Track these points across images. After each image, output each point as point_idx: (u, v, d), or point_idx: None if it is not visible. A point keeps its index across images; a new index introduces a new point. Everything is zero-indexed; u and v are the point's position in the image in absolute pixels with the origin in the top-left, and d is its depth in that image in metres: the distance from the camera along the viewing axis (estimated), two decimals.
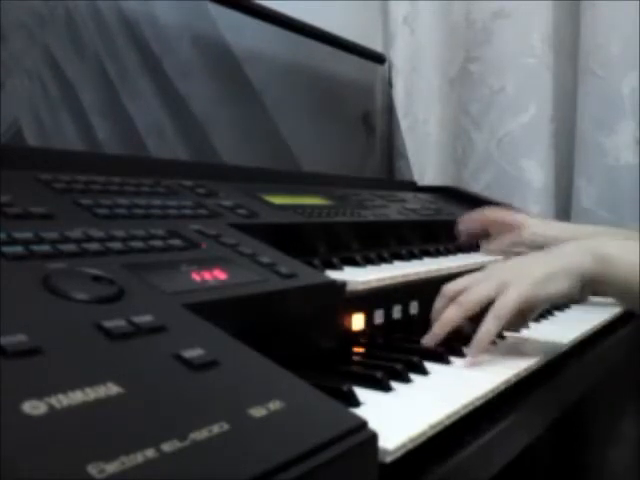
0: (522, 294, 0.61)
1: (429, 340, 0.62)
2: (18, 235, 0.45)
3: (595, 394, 1.03)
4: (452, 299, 0.64)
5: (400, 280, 0.70)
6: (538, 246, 0.95)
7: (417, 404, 0.48)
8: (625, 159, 1.33)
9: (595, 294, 0.67)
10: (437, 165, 1.56)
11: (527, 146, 1.42)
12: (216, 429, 0.30)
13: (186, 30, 1.02)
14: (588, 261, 0.64)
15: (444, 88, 1.55)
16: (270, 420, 0.32)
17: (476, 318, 0.63)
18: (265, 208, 0.79)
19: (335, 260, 0.71)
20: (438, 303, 0.65)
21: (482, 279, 0.64)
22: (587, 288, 0.65)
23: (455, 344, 0.63)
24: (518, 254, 0.92)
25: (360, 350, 0.63)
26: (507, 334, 0.71)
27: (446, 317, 0.62)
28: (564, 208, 1.44)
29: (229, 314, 0.46)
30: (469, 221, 1.01)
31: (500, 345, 0.68)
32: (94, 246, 0.48)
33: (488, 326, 0.60)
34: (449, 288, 0.65)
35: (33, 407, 0.27)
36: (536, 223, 1.00)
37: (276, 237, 0.67)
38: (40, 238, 0.46)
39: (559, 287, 0.62)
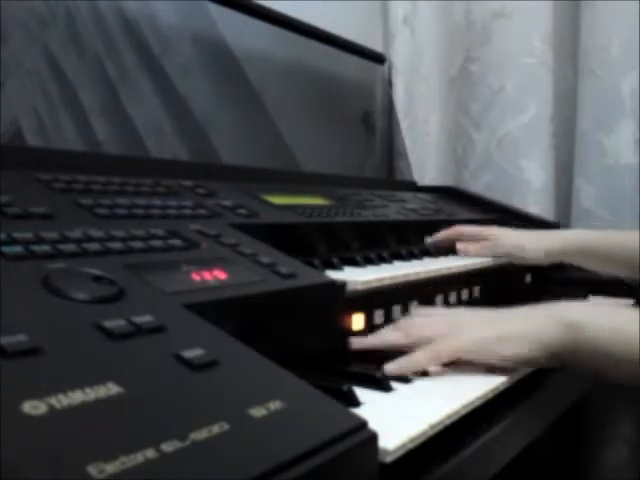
0: (465, 345, 0.57)
1: (393, 369, 0.56)
2: (18, 235, 0.45)
3: (594, 394, 1.03)
4: (402, 330, 0.61)
5: (400, 280, 0.70)
6: (513, 256, 0.97)
7: (417, 404, 0.48)
8: (625, 159, 1.33)
9: (567, 365, 0.60)
10: (437, 165, 1.56)
11: (527, 146, 1.41)
12: (216, 429, 0.30)
13: (186, 30, 1.02)
14: (556, 330, 0.58)
15: (444, 88, 1.55)
16: (270, 420, 0.32)
17: None
18: (265, 208, 0.78)
19: (335, 260, 0.71)
20: (392, 335, 0.61)
21: (437, 319, 0.62)
22: (556, 358, 0.59)
23: None
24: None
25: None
26: None
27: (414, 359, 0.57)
28: (564, 208, 1.44)
29: (229, 314, 0.46)
30: (440, 239, 1.00)
31: None
32: (94, 246, 0.48)
33: (419, 359, 0.56)
34: (405, 323, 0.63)
35: (33, 407, 0.27)
36: (507, 233, 1.00)
37: (276, 237, 0.67)
38: (40, 238, 0.46)
39: (514, 351, 0.57)
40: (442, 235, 1.00)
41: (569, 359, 0.59)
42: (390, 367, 0.55)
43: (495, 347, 0.58)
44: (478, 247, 0.96)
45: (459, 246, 0.96)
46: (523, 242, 0.97)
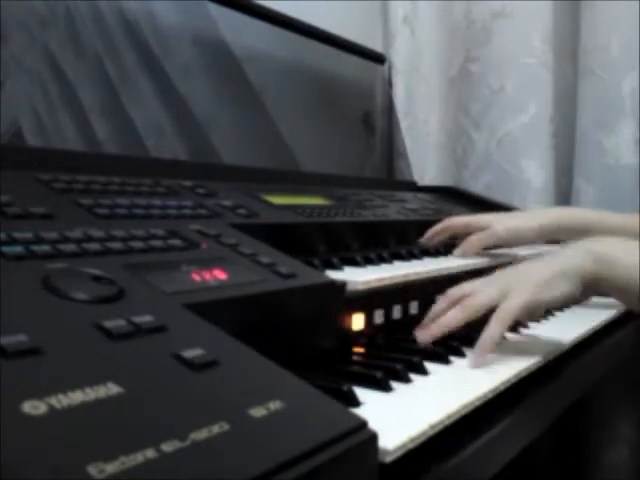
0: (524, 299, 0.62)
1: (425, 337, 0.63)
2: (18, 235, 0.45)
3: (594, 394, 1.03)
4: (455, 303, 0.64)
5: (400, 280, 0.70)
6: (512, 238, 0.96)
7: (417, 404, 0.48)
8: (625, 159, 1.33)
9: (597, 294, 0.69)
10: (437, 165, 1.56)
11: (527, 146, 1.42)
12: (216, 429, 0.30)
13: (186, 30, 1.02)
14: (588, 262, 0.66)
15: (444, 88, 1.55)
16: (270, 420, 0.32)
17: (474, 323, 0.63)
18: (265, 208, 0.78)
19: (335, 260, 0.71)
20: (440, 305, 0.66)
21: (486, 285, 0.66)
22: (589, 289, 0.67)
23: (455, 344, 0.63)
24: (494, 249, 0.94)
25: (360, 350, 0.63)
26: (507, 334, 0.71)
27: (448, 319, 0.63)
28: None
29: (229, 314, 0.46)
30: (434, 235, 0.99)
31: (500, 345, 0.68)
32: (94, 246, 0.48)
33: (492, 330, 0.61)
34: (454, 291, 0.66)
35: (33, 407, 0.27)
36: (503, 217, 0.99)
37: (276, 237, 0.67)
38: (40, 238, 0.46)
39: (561, 290, 0.64)
40: (434, 231, 0.99)
41: (598, 289, 0.68)
42: (474, 354, 0.60)
43: (545, 293, 0.63)
44: (474, 243, 0.94)
45: (456, 252, 0.95)
46: (516, 223, 0.97)
